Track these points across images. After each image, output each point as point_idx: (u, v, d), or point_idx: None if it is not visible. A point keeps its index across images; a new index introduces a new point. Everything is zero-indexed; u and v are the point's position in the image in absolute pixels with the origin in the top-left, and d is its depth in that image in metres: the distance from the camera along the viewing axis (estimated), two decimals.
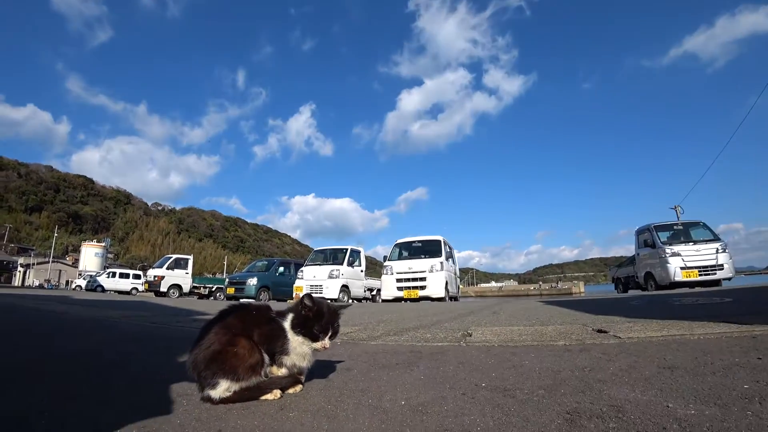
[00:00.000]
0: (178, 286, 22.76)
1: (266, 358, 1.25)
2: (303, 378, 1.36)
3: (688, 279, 12.52)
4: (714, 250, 12.72)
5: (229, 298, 18.86)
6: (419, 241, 15.50)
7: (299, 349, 1.28)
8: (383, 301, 14.40)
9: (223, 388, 1.18)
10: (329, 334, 1.30)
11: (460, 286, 18.51)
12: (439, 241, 14.82)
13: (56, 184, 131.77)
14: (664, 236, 14.05)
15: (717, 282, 12.50)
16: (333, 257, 17.34)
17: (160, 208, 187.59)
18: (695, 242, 13.37)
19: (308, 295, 1.31)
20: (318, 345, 1.29)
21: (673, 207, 28.80)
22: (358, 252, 17.89)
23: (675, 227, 14.62)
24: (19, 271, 55.94)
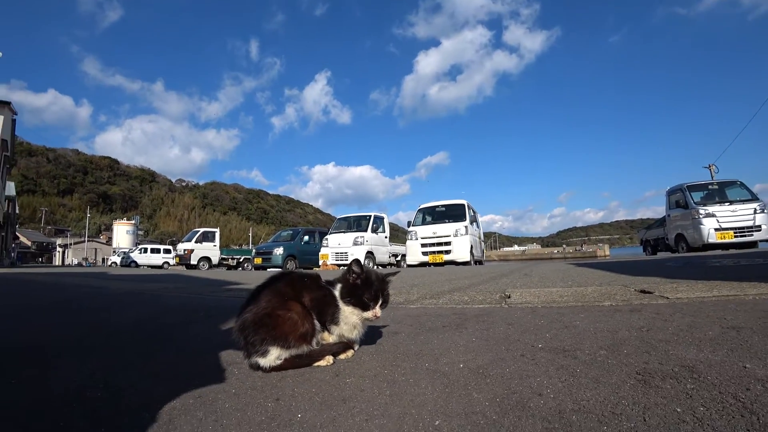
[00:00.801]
0: (207, 259, 23.48)
1: (317, 325, 1.22)
2: (355, 345, 1.33)
3: (723, 241, 12.02)
4: (752, 211, 12.11)
5: (256, 268, 19.32)
6: (443, 206, 15.36)
7: (350, 319, 1.24)
8: (408, 266, 14.47)
9: (273, 356, 1.15)
10: (379, 302, 1.24)
11: (484, 249, 18.49)
12: (463, 205, 14.64)
13: (84, 166, 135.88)
14: (697, 196, 13.44)
15: (754, 243, 11.99)
16: (357, 224, 17.44)
17: (184, 184, 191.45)
18: (731, 202, 12.70)
19: (357, 261, 1.25)
20: (369, 314, 1.24)
21: (707, 166, 27.57)
22: (382, 218, 17.93)
23: (709, 187, 13.93)
24: (58, 251, 58.71)
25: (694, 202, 13.12)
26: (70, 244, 60.19)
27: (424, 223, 14.91)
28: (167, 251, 36.62)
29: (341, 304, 1.22)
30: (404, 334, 1.67)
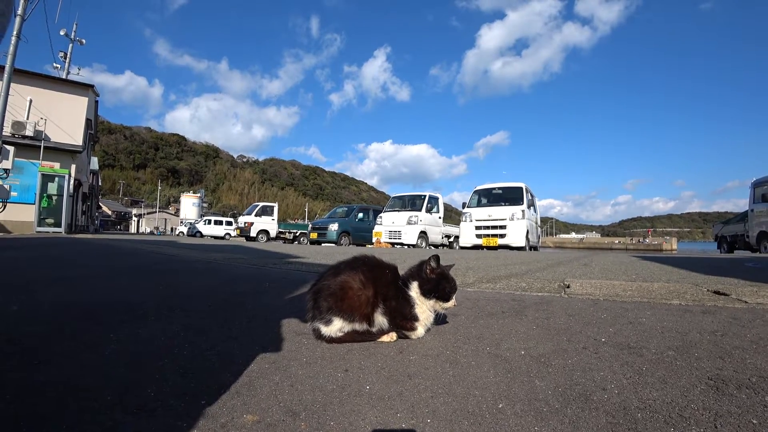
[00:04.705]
0: (266, 232, 24.68)
1: (379, 314, 1.28)
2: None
3: None
4: None
5: (312, 242, 20.01)
6: (500, 188, 15.02)
7: (426, 313, 1.31)
8: (461, 248, 14.35)
9: (336, 327, 1.22)
10: (455, 292, 1.32)
11: (540, 234, 17.97)
12: (521, 188, 14.23)
13: (155, 143, 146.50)
14: None
15: None
16: (411, 203, 17.50)
17: (245, 159, 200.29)
18: None
19: (435, 257, 1.31)
20: (450, 304, 1.32)
21: None
22: (437, 198, 17.84)
23: None
24: (134, 220, 64.30)
25: None
26: (144, 214, 65.64)
27: (479, 205, 14.67)
28: (229, 223, 38.80)
29: (419, 301, 1.28)
30: (464, 317, 1.70)
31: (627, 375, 1.05)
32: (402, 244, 16.11)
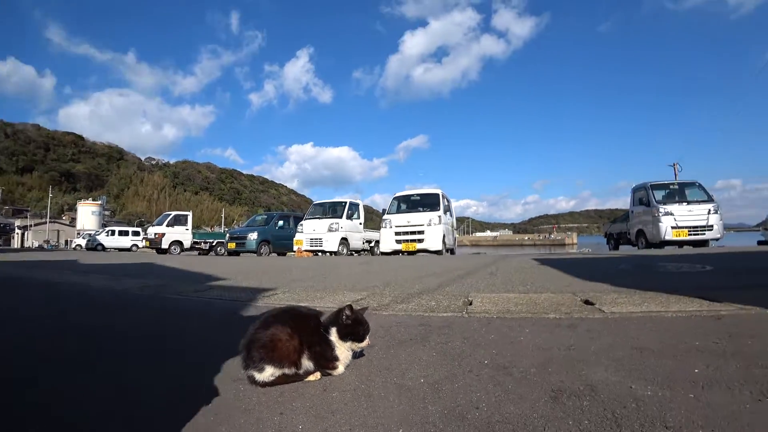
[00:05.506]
0: (179, 243, 23.31)
1: (305, 358, 1.50)
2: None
3: (678, 238, 13.10)
4: (706, 211, 13.24)
5: (230, 253, 19.31)
6: (418, 195, 15.90)
7: (345, 354, 1.56)
8: (382, 253, 14.90)
9: (268, 373, 1.43)
10: (368, 333, 1.59)
11: (457, 237, 19.20)
12: (438, 195, 15.17)
13: (45, 142, 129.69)
14: (659, 195, 14.56)
15: (705, 242, 13.05)
16: (332, 210, 17.78)
17: (153, 162, 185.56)
18: (689, 202, 13.85)
19: (350, 306, 1.56)
20: (364, 344, 1.58)
21: (672, 164, 29.28)
22: (357, 205, 18.26)
23: (671, 186, 15.13)
24: (17, 233, 56.08)
25: (656, 201, 14.17)
26: (31, 226, 57.64)
27: (398, 211, 15.36)
28: (136, 233, 35.83)
29: (338, 343, 1.52)
30: (378, 347, 1.98)
31: (496, 393, 1.39)
32: (323, 252, 16.25)
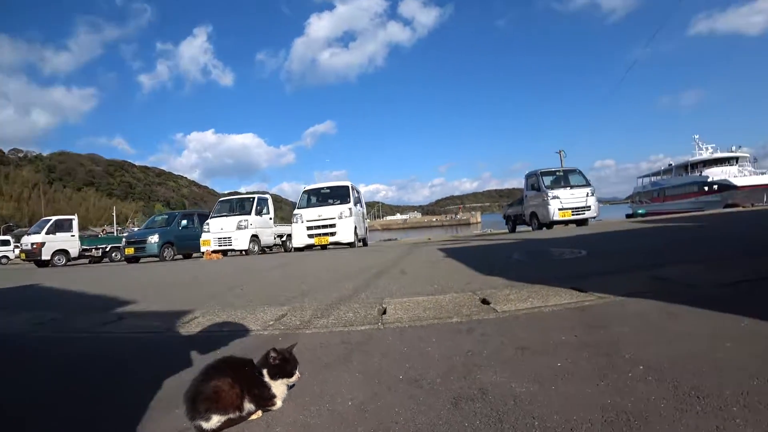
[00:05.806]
0: (65, 252, 20.80)
1: (247, 401, 1.66)
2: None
3: (564, 218, 15.55)
4: (585, 194, 15.99)
5: (128, 259, 17.83)
6: (328, 188, 16.25)
7: (280, 389, 1.75)
8: (294, 249, 14.98)
9: (215, 421, 1.58)
10: (297, 367, 1.79)
11: (368, 220, 19.98)
12: (347, 187, 15.66)
13: None
14: (547, 181, 17.06)
15: (585, 221, 15.54)
16: (240, 207, 17.41)
17: (21, 155, 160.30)
18: (571, 187, 16.54)
19: (273, 349, 1.75)
20: (294, 378, 1.78)
21: (558, 151, 33.48)
22: (266, 199, 18.04)
23: (557, 173, 17.76)
24: None
25: (545, 186, 16.48)
26: None
27: (309, 205, 15.54)
28: (5, 242, 31.08)
29: (272, 384, 1.72)
30: (307, 372, 2.20)
31: (411, 407, 1.71)
32: (233, 251, 15.78)
